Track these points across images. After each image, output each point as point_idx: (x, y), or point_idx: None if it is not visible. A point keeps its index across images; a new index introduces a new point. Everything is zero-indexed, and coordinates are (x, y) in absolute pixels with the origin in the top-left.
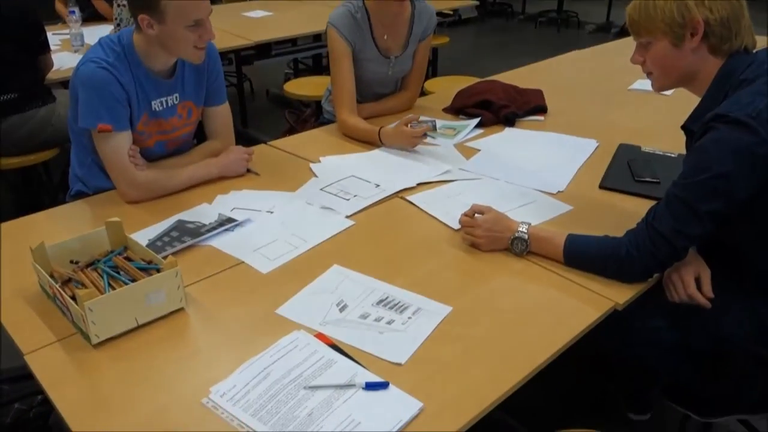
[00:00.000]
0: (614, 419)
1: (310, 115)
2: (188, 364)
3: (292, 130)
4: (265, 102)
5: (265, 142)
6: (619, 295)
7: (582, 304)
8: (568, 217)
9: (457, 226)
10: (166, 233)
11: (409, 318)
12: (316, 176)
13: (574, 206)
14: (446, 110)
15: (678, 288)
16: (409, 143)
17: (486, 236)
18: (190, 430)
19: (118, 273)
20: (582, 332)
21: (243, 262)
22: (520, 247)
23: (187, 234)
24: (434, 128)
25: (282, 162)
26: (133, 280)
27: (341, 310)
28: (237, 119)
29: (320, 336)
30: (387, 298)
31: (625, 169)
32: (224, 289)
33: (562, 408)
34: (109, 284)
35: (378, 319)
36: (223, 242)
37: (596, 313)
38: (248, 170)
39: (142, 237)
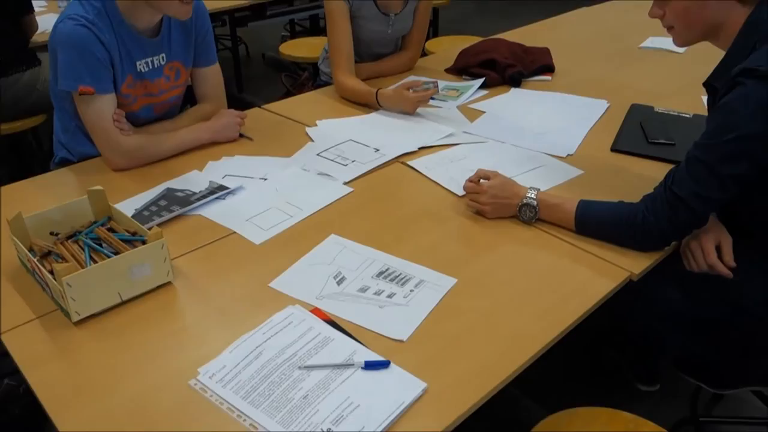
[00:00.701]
0: (622, 390)
1: (307, 78)
2: (175, 343)
3: (288, 95)
4: (262, 66)
5: (260, 106)
6: (635, 264)
7: (595, 274)
8: (578, 181)
9: (461, 192)
10: (154, 202)
11: (411, 291)
12: (312, 141)
13: (585, 170)
14: (449, 70)
15: (697, 256)
16: (409, 108)
17: (492, 203)
18: (177, 414)
19: (101, 245)
20: (595, 305)
21: (234, 232)
22: (528, 214)
23: (176, 203)
24: (437, 89)
25: (276, 126)
26: (117, 253)
27: (339, 282)
28: (232, 84)
29: (316, 311)
30: (388, 269)
31: (638, 131)
32: (215, 262)
33: (568, 378)
34: (91, 257)
35: (378, 293)
36: (213, 211)
37: (611, 284)
38: (241, 135)
39: (129, 206)
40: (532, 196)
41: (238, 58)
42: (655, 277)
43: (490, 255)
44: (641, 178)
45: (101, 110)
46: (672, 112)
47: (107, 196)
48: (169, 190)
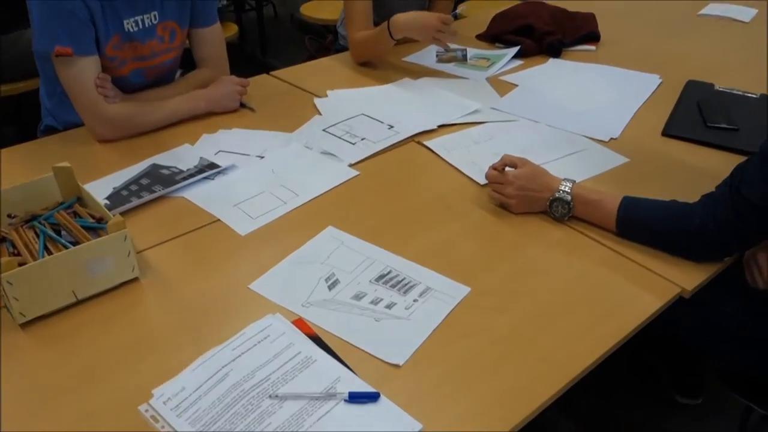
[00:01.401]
0: (659, 400)
1: (330, 42)
2: (132, 355)
3: (311, 60)
4: (290, 28)
5: (268, 73)
6: (687, 278)
7: (639, 288)
8: (622, 172)
9: (483, 180)
10: (136, 180)
11: (415, 301)
12: (319, 113)
13: (631, 158)
14: (480, 37)
15: (765, 272)
16: (427, 32)
17: (519, 195)
18: None
19: (60, 234)
20: (638, 328)
21: (219, 220)
22: (560, 210)
23: (159, 182)
24: (464, 58)
25: (283, 96)
26: (76, 244)
27: (331, 287)
28: (256, 46)
29: (299, 323)
30: (389, 272)
31: (695, 113)
32: (192, 255)
33: (603, 386)
34: (46, 248)
35: (375, 301)
36: (198, 194)
37: (657, 302)
38: (242, 105)
39: (108, 184)
40: (566, 189)
41: (263, 19)
42: (710, 286)
43: (513, 259)
44: (698, 170)
45: (82, 74)
46: (735, 91)
47: (90, 169)
48: (154, 166)
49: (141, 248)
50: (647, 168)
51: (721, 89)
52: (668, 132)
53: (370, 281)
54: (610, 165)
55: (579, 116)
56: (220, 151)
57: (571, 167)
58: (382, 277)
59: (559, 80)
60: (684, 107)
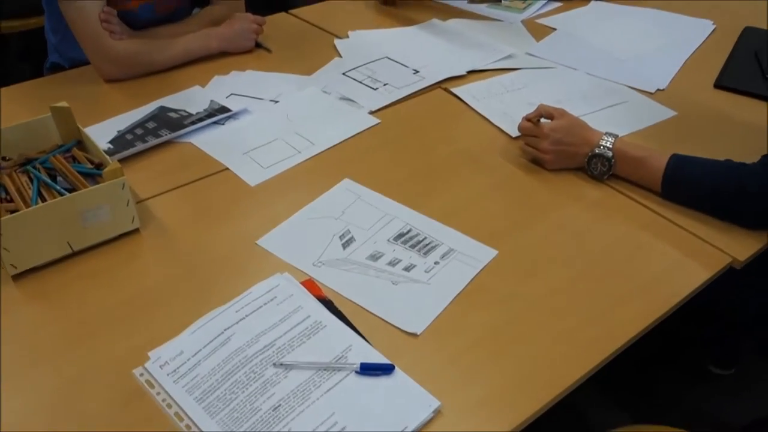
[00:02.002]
0: (691, 369)
1: None
2: (128, 312)
3: None
4: None
5: (286, 11)
6: (740, 248)
7: (684, 256)
8: (669, 127)
9: (515, 132)
10: (142, 123)
11: (436, 263)
12: (339, 56)
13: (679, 112)
14: None
15: None
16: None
17: (554, 150)
18: (105, 419)
19: (56, 180)
20: (683, 300)
21: (227, 168)
22: (600, 168)
23: (166, 126)
24: None
25: (301, 36)
26: (73, 190)
27: (345, 245)
28: None
29: (309, 284)
30: (409, 231)
31: (752, 63)
32: (197, 206)
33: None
34: (40, 194)
35: (393, 262)
36: (208, 139)
37: (705, 273)
38: (257, 45)
39: (113, 126)
40: (608, 144)
41: None
42: (763, 257)
43: (545, 220)
44: (755, 127)
45: (85, 7)
46: None
47: (94, 110)
48: (161, 109)
49: (143, 197)
50: (697, 123)
51: None
52: (721, 83)
53: (388, 240)
54: (655, 119)
55: (622, 64)
56: (232, 94)
57: (612, 120)
58: (401, 236)
59: (602, 24)
60: (740, 57)
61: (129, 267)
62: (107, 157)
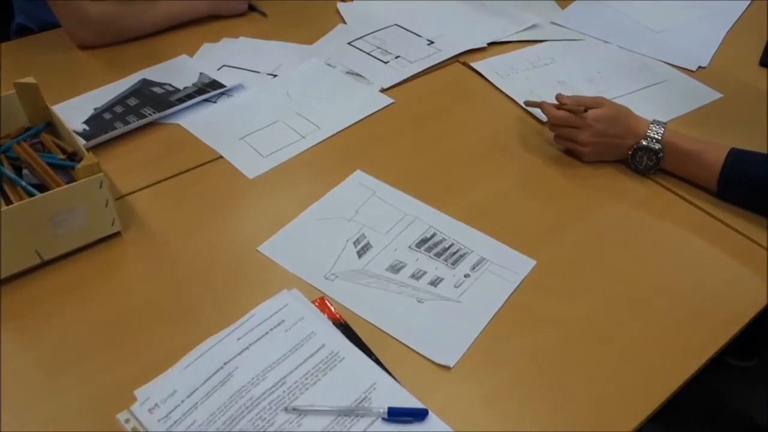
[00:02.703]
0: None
1: None
2: (110, 337)
3: None
4: None
5: None
6: None
7: (746, 267)
8: (716, 111)
9: (545, 117)
10: (122, 100)
11: (467, 276)
12: (344, 22)
13: (726, 94)
14: None
15: None
16: None
17: (596, 142)
18: None
19: (21, 173)
20: (749, 320)
21: (221, 156)
22: (646, 162)
23: (150, 103)
24: None
25: None
26: (41, 186)
27: (361, 252)
28: None
29: (321, 303)
30: (433, 236)
31: None
32: (188, 203)
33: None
34: (2, 192)
35: (417, 275)
36: (197, 120)
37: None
38: (251, 7)
39: (88, 103)
40: (657, 135)
41: None
42: None
43: (585, 222)
44: None
45: None
46: None
47: (67, 83)
48: (144, 82)
49: (125, 191)
50: (747, 107)
51: None
52: (767, 61)
53: (409, 247)
54: (699, 101)
55: (658, 37)
56: (224, 66)
57: (651, 103)
58: (424, 241)
59: None
60: None
61: (109, 280)
62: (82, 146)
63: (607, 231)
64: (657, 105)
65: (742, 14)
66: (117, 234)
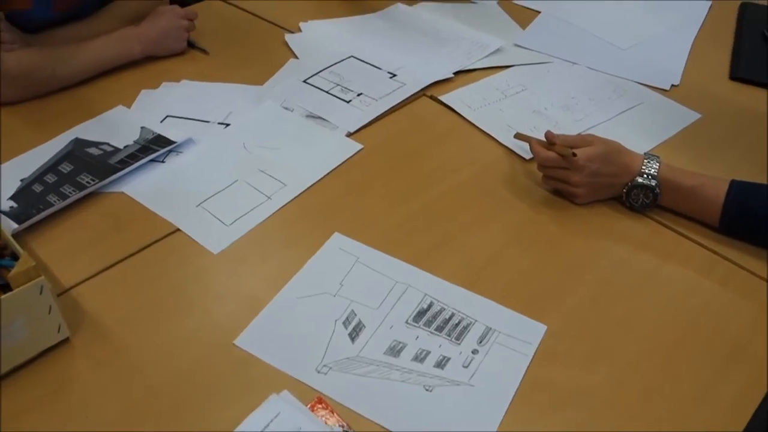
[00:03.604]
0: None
1: None
2: None
3: None
4: None
5: None
6: None
7: (759, 307)
8: (699, 133)
9: (527, 153)
10: (53, 166)
11: (475, 352)
12: (295, 57)
13: (703, 112)
14: None
15: None
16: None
17: (590, 183)
18: None
19: None
20: None
21: (178, 229)
22: (642, 199)
23: (87, 169)
24: None
25: (243, 30)
26: None
27: (353, 335)
28: None
29: (317, 406)
30: (430, 306)
31: (762, 46)
32: (144, 290)
33: None
34: None
35: (420, 356)
36: (145, 186)
37: None
38: (190, 44)
39: (13, 173)
40: (652, 171)
41: None
42: None
43: (590, 272)
44: None
45: None
46: None
47: None
48: (77, 143)
49: (68, 284)
50: (726, 126)
51: None
52: (737, 75)
53: (406, 322)
54: (680, 124)
55: (625, 54)
56: (167, 117)
57: (632, 130)
58: (422, 313)
59: (587, 3)
60: (747, 39)
61: (62, 399)
62: (13, 240)
63: (614, 281)
64: (638, 131)
65: (703, 22)
66: (65, 341)
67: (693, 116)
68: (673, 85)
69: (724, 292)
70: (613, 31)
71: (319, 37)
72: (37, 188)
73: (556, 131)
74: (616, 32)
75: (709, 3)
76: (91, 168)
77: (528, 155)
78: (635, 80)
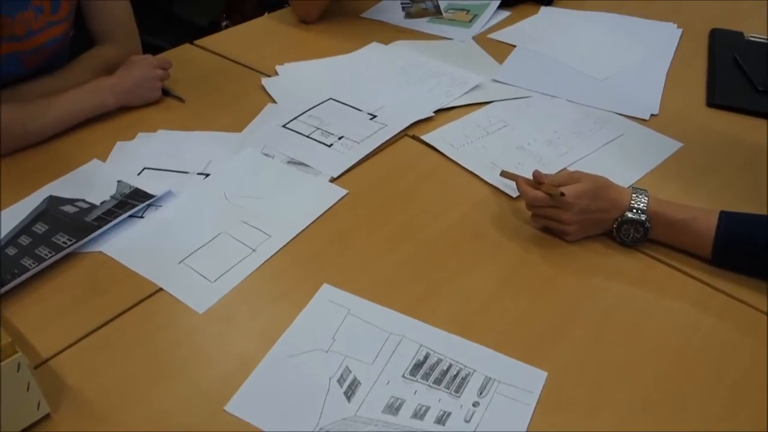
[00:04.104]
0: None
1: None
2: None
3: (230, 12)
4: None
5: (191, 41)
6: None
7: (758, 340)
8: (679, 162)
9: (513, 191)
10: (26, 228)
11: (476, 405)
12: (273, 101)
13: (684, 141)
14: None
15: None
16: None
17: (580, 220)
18: None
19: None
20: None
21: (160, 289)
22: (633, 234)
23: (63, 228)
24: (438, 10)
25: (218, 75)
26: None
27: (349, 393)
28: None
29: None
30: (427, 357)
31: (736, 72)
32: (128, 357)
33: None
34: None
35: (420, 413)
36: (123, 244)
37: None
38: (165, 93)
39: None
40: (641, 206)
41: None
42: None
43: (587, 312)
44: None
45: None
46: None
47: None
48: (51, 201)
49: (46, 355)
50: (708, 154)
51: (754, 38)
52: (714, 101)
53: (403, 376)
54: (662, 154)
55: (603, 85)
56: (145, 169)
57: (616, 161)
58: (418, 366)
59: (562, 36)
60: (720, 66)
61: None
62: None
63: (611, 320)
64: (623, 162)
65: (675, 50)
66: (46, 416)
67: (675, 145)
68: (652, 115)
69: (723, 327)
70: (587, 63)
71: (296, 80)
72: (11, 251)
73: (540, 167)
74: (591, 63)
75: (680, 30)
76: (66, 227)
77: (515, 193)
78: (615, 111)
